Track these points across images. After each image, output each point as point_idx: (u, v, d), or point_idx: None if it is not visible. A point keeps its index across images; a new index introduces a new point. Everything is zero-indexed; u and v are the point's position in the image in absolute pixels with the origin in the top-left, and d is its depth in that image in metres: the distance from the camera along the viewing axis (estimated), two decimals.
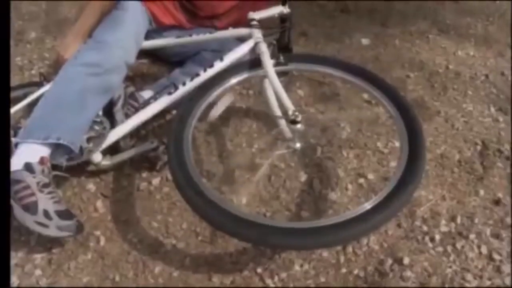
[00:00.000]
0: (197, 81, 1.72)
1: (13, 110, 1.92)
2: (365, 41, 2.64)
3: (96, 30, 1.90)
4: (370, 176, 1.86)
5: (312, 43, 2.60)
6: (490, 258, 1.56)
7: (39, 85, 2.00)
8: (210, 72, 1.73)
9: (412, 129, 1.48)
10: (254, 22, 1.80)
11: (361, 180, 1.85)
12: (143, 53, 1.99)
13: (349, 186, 1.82)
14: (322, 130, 2.00)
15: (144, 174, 1.87)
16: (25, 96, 1.98)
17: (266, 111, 1.98)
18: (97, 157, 1.72)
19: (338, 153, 1.95)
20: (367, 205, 1.28)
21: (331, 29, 2.73)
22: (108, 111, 1.82)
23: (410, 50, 2.62)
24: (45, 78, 2.01)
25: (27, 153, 1.55)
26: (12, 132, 1.70)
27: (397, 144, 1.98)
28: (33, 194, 1.48)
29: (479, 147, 2.03)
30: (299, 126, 1.43)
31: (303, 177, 1.85)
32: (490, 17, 3.01)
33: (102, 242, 1.63)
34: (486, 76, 2.45)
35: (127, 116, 1.88)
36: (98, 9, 1.92)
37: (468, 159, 1.96)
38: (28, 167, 1.51)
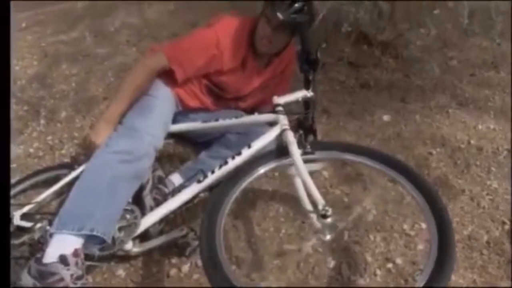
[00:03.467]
0: (226, 169, 1.76)
1: (45, 194, 1.98)
2: (386, 118, 2.69)
3: (126, 116, 1.98)
4: (398, 261, 1.86)
5: (334, 120, 2.66)
6: None
7: (70, 167, 2.06)
8: (238, 159, 1.77)
9: (441, 223, 1.48)
10: (279, 108, 1.85)
11: (390, 265, 1.84)
12: (169, 134, 2.05)
13: (378, 272, 1.81)
14: (348, 213, 2.01)
15: (174, 260, 1.88)
16: (56, 178, 2.05)
17: (292, 193, 2.00)
18: (128, 245, 1.74)
19: (365, 236, 1.96)
20: None
21: (352, 106, 2.80)
22: (137, 196, 1.86)
23: (431, 125, 2.65)
24: (76, 161, 2.07)
25: (61, 245, 1.58)
26: (47, 221, 1.75)
27: (423, 225, 1.98)
28: (67, 287, 1.50)
29: (507, 227, 2.01)
30: (329, 220, 1.45)
31: (332, 262, 1.84)
32: (506, 88, 3.05)
33: None
34: (508, 150, 2.46)
35: (156, 200, 1.92)
36: (128, 95, 2.00)
37: (497, 239, 1.95)
38: (63, 259, 1.53)
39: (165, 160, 2.33)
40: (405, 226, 2.01)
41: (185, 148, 2.39)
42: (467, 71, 3.22)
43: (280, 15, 1.88)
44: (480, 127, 2.66)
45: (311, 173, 1.63)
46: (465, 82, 3.09)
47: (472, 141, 2.53)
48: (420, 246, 1.91)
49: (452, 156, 2.42)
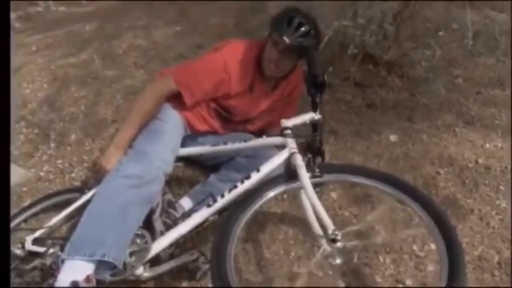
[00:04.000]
0: (235, 192, 1.78)
1: (56, 219, 2.00)
2: (393, 138, 2.69)
3: (136, 140, 2.00)
4: (408, 282, 1.86)
5: (342, 141, 2.67)
6: None
7: (80, 191, 2.08)
8: (247, 183, 1.79)
9: (451, 244, 1.49)
10: (288, 131, 1.87)
11: (400, 286, 1.84)
12: (178, 158, 2.07)
13: None
14: (358, 235, 2.01)
15: (184, 284, 1.89)
16: (66, 202, 2.07)
17: (301, 216, 2.00)
18: (139, 270, 1.75)
19: (375, 258, 1.96)
20: None
21: (359, 126, 2.81)
22: (147, 220, 1.87)
23: (438, 144, 2.66)
24: (86, 185, 2.09)
25: (73, 271, 1.60)
26: (58, 247, 1.77)
27: (433, 246, 1.97)
28: None
29: None
30: (339, 244, 1.46)
31: (342, 285, 1.84)
32: None
33: None
34: None
35: (166, 224, 1.93)
36: (138, 120, 2.03)
37: (508, 260, 1.94)
38: (75, 285, 1.55)
39: (174, 183, 2.34)
40: (415, 247, 2.01)
41: (194, 171, 2.41)
42: (473, 89, 3.22)
43: (286, 39, 1.92)
44: (487, 145, 2.66)
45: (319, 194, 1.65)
46: (471, 101, 3.09)
47: (480, 160, 2.53)
48: (430, 267, 1.91)
49: (460, 176, 2.42)
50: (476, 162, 2.52)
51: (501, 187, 2.34)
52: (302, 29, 1.94)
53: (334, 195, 2.29)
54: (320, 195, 1.64)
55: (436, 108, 2.97)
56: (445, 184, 2.37)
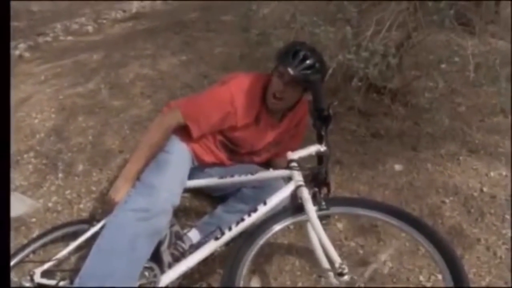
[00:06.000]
0: (242, 225, 1.81)
1: (65, 251, 2.03)
2: (398, 167, 2.71)
3: (144, 173, 2.04)
4: None
5: (347, 171, 2.69)
6: None
7: (88, 222, 2.11)
8: (254, 216, 1.82)
9: (457, 275, 1.51)
10: (294, 164, 1.90)
11: None
12: (186, 189, 2.10)
13: None
14: (364, 266, 2.02)
15: None
16: (74, 234, 2.10)
17: (307, 246, 2.01)
18: None
19: None
20: None
21: (364, 156, 2.82)
22: (155, 251, 1.89)
23: (443, 173, 2.67)
24: (95, 217, 2.12)
25: None
26: (68, 280, 1.78)
27: (439, 276, 1.97)
28: None
29: None
30: (346, 277, 1.47)
31: None
32: None
33: None
34: None
35: (173, 255, 1.95)
36: (146, 153, 2.06)
37: None
38: None
39: (181, 214, 2.35)
40: (421, 278, 2.01)
41: (201, 202, 2.43)
42: (476, 117, 3.24)
43: (291, 71, 1.97)
44: (492, 174, 2.66)
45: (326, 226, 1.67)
46: (474, 128, 3.10)
47: (484, 189, 2.54)
48: None
49: (465, 205, 2.43)
50: (481, 190, 2.53)
51: (507, 216, 2.34)
52: (307, 62, 1.99)
53: (340, 225, 2.30)
54: (326, 227, 1.66)
55: (440, 137, 2.99)
56: (450, 213, 2.37)
